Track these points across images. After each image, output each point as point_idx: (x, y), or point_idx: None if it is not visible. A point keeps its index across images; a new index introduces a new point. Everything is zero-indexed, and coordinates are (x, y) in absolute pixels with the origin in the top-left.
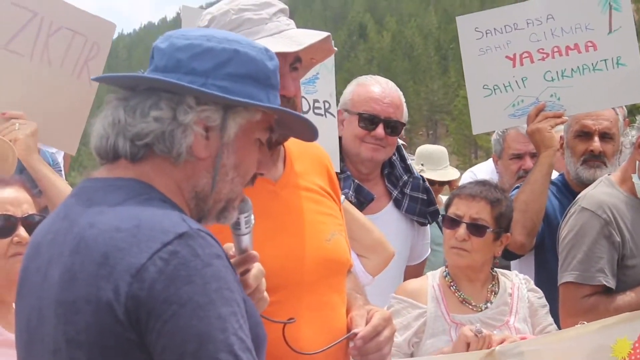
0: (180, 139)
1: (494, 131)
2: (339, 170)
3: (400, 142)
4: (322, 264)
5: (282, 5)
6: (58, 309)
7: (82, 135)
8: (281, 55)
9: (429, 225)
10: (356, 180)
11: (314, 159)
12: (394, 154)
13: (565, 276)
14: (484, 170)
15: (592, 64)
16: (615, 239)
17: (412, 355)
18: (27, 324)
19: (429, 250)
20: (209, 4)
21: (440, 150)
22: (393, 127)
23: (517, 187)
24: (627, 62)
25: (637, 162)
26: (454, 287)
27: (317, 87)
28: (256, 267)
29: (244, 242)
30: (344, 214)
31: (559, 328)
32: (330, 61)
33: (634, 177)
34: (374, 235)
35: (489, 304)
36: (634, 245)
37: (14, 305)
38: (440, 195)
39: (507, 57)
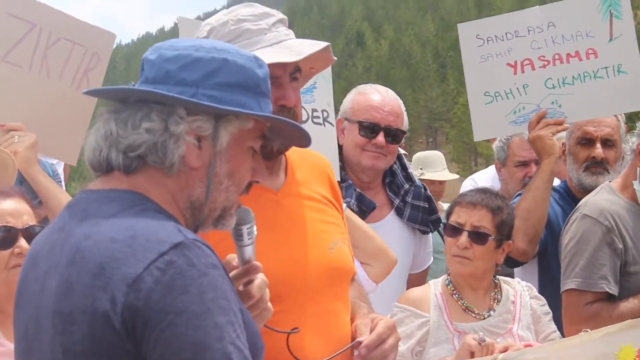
0: (173, 150)
1: (494, 138)
2: (339, 179)
3: (402, 151)
4: (325, 273)
5: (281, 16)
6: (55, 319)
7: (82, 146)
8: (281, 66)
9: (431, 233)
10: (358, 189)
11: (315, 167)
12: (395, 163)
13: (567, 283)
14: (485, 177)
15: (593, 71)
16: (617, 245)
17: None
18: (25, 334)
19: (432, 258)
20: (206, 14)
21: (435, 153)
22: (394, 135)
23: (520, 194)
24: (628, 70)
25: (638, 169)
26: (456, 295)
27: (315, 96)
28: (260, 278)
29: (247, 253)
30: (346, 222)
31: (563, 335)
32: (327, 70)
33: (635, 184)
34: (376, 243)
35: (491, 312)
36: (636, 252)
37: None
38: (440, 203)
39: (508, 64)
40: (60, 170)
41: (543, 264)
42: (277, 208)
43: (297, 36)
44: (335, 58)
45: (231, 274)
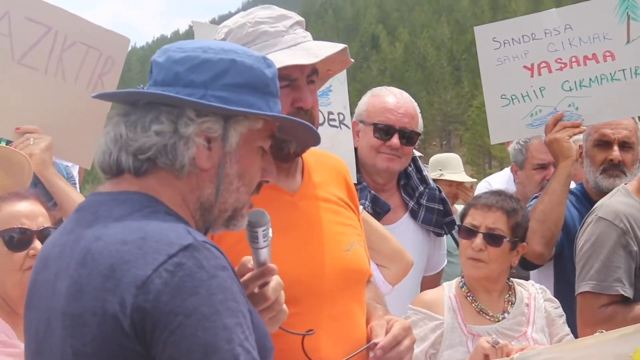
0: (183, 152)
1: (509, 141)
2: (355, 182)
3: (418, 153)
4: (341, 275)
5: (299, 18)
6: (65, 321)
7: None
8: (298, 68)
9: (445, 235)
10: (372, 191)
11: (332, 170)
12: (410, 165)
13: (582, 286)
14: (499, 180)
15: (610, 73)
16: (632, 248)
17: None
18: (36, 335)
19: (446, 260)
20: (221, 16)
21: (454, 156)
22: (408, 137)
23: (536, 197)
24: None
25: None
26: (470, 297)
27: (331, 99)
28: (275, 280)
29: (262, 256)
30: (362, 225)
31: (576, 338)
32: (342, 73)
33: None
34: (392, 245)
35: (506, 314)
36: None
37: None
38: (455, 206)
39: (525, 67)
40: (75, 173)
41: (559, 267)
42: (294, 210)
43: (312, 39)
44: (352, 60)
45: (246, 277)
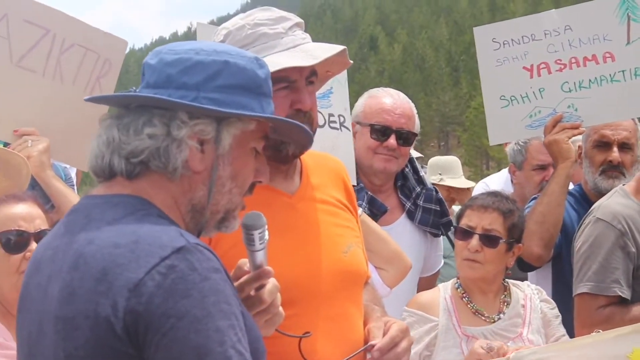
0: (176, 154)
1: (507, 142)
2: (355, 183)
3: (417, 154)
4: (339, 276)
5: (298, 19)
6: (57, 324)
7: None
8: (297, 70)
9: (442, 236)
10: (369, 192)
11: (330, 171)
12: (407, 166)
13: (580, 287)
14: (497, 181)
15: (610, 74)
16: (630, 249)
17: None
18: (28, 339)
19: (442, 261)
20: (220, 18)
21: (454, 159)
22: (405, 137)
23: (535, 198)
24: None
25: None
26: (466, 298)
27: (332, 101)
28: (271, 283)
29: (259, 258)
30: (361, 226)
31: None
32: (342, 75)
33: None
34: (391, 247)
35: (501, 315)
36: None
37: None
38: (453, 207)
39: (524, 67)
40: (72, 174)
41: (557, 268)
42: (292, 212)
43: (311, 40)
44: (351, 62)
45: (242, 279)
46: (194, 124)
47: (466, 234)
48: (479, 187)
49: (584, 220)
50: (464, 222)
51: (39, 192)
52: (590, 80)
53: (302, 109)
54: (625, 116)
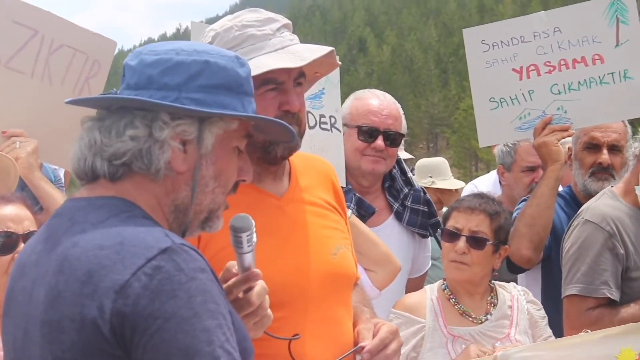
0: (158, 155)
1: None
2: (344, 185)
3: (408, 155)
4: (328, 279)
5: (286, 21)
6: (44, 328)
7: None
8: (285, 71)
9: (430, 237)
10: (357, 194)
11: (319, 173)
12: (394, 167)
13: (569, 289)
14: (486, 182)
15: (599, 77)
16: (619, 251)
17: None
18: (14, 344)
19: (430, 262)
20: (209, 19)
21: (442, 160)
22: (392, 138)
23: (524, 200)
24: (634, 76)
25: None
26: (453, 299)
27: (323, 102)
28: (259, 285)
29: (247, 261)
30: (350, 228)
31: None
32: (335, 76)
33: (637, 189)
34: (380, 249)
35: (488, 316)
36: (638, 257)
37: None
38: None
39: (513, 69)
40: (62, 175)
41: (547, 270)
42: (280, 214)
43: (300, 42)
44: (340, 63)
45: (231, 282)
46: (176, 124)
47: (453, 235)
48: (468, 189)
49: (572, 222)
50: (451, 224)
51: (28, 194)
52: (579, 83)
53: (290, 111)
54: (614, 118)
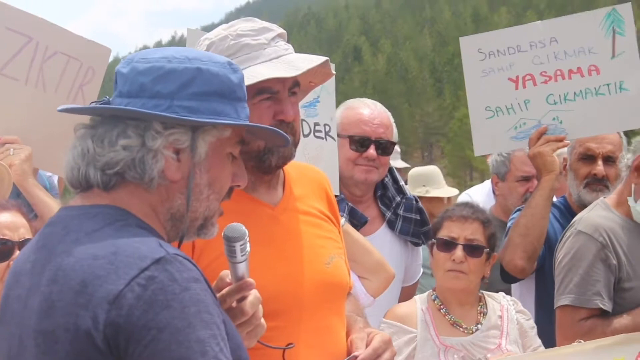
0: (152, 165)
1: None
2: (338, 194)
3: (404, 164)
4: (321, 288)
5: (280, 30)
6: (38, 338)
7: None
8: (280, 81)
9: (422, 246)
10: (350, 203)
11: (313, 182)
12: (387, 176)
13: (561, 299)
14: (480, 192)
15: (595, 88)
16: (611, 262)
17: None
18: (8, 353)
19: (421, 271)
20: (204, 28)
21: (435, 169)
22: (384, 147)
23: (519, 210)
24: (630, 87)
25: (633, 185)
26: (443, 310)
27: (318, 110)
28: (253, 294)
29: (240, 270)
30: (344, 237)
31: None
32: (331, 85)
33: (630, 200)
34: (374, 257)
35: (479, 326)
36: (630, 268)
37: None
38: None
39: (509, 79)
40: (56, 182)
41: (540, 280)
42: (274, 223)
43: (294, 51)
44: (335, 72)
45: (224, 291)
46: (169, 133)
47: (449, 245)
48: (462, 199)
49: (565, 233)
50: (445, 234)
51: (23, 201)
52: (575, 93)
53: (285, 120)
54: (609, 130)
